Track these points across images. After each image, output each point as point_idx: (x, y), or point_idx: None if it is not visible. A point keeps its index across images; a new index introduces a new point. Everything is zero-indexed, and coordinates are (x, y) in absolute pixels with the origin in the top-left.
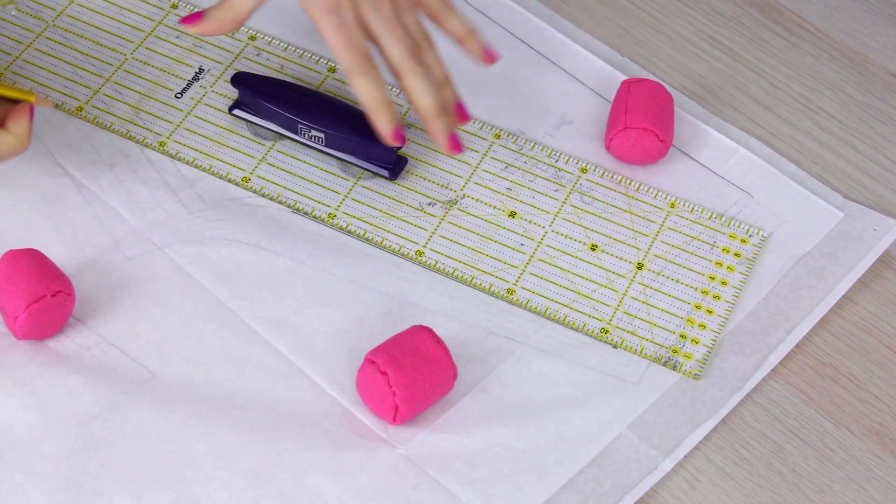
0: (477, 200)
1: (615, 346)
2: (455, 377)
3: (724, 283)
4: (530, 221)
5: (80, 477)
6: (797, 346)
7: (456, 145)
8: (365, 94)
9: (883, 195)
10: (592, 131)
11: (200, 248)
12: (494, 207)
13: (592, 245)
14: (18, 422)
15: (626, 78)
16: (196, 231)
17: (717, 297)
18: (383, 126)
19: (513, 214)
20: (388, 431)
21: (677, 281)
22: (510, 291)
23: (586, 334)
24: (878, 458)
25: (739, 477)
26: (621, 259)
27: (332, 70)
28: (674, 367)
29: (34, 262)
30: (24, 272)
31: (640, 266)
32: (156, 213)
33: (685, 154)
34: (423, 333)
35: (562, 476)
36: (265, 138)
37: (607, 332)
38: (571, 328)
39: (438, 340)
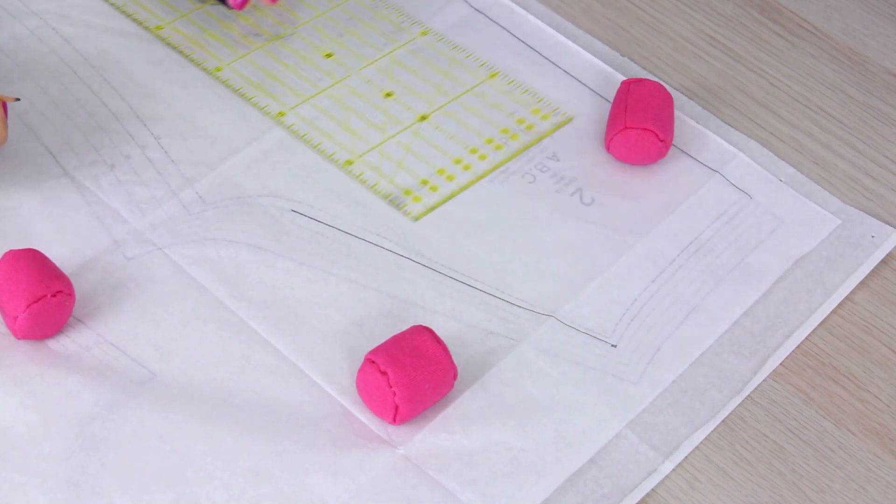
0: (303, 39)
1: (355, 177)
2: (455, 377)
3: (498, 147)
4: (341, 63)
5: (80, 477)
6: (797, 345)
7: None
8: None
9: (883, 195)
10: (592, 131)
11: (200, 248)
12: (314, 45)
13: (388, 93)
14: (18, 422)
15: (625, 78)
16: (196, 232)
17: (483, 157)
18: None
19: (329, 55)
20: (388, 431)
21: (451, 136)
22: (280, 114)
23: (330, 161)
24: (878, 458)
25: (739, 477)
26: (408, 109)
27: None
28: (396, 206)
29: (34, 262)
30: (24, 272)
31: (423, 118)
32: (156, 213)
33: (685, 154)
34: (423, 333)
35: (561, 474)
36: None
37: (351, 163)
38: (319, 154)
39: (438, 340)
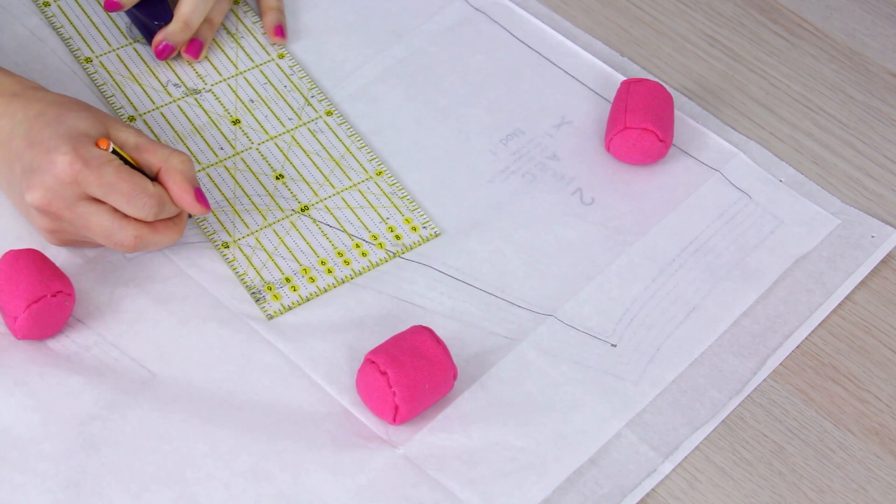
0: (217, 99)
1: (227, 263)
2: (455, 377)
3: (363, 254)
4: (245, 133)
5: (80, 477)
6: (797, 345)
7: (280, 32)
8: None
9: (883, 195)
10: (592, 131)
11: (200, 248)
12: (225, 110)
13: (279, 175)
14: (18, 422)
15: (625, 78)
16: (196, 232)
17: (346, 263)
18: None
19: (236, 122)
20: (387, 431)
21: (324, 234)
22: None
23: (210, 241)
24: (878, 458)
25: (739, 477)
26: (293, 196)
27: None
28: (257, 301)
29: (34, 262)
30: (24, 272)
31: (304, 209)
32: None
33: (685, 153)
34: (423, 333)
35: (561, 474)
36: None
37: (228, 246)
38: (201, 231)
39: (438, 340)
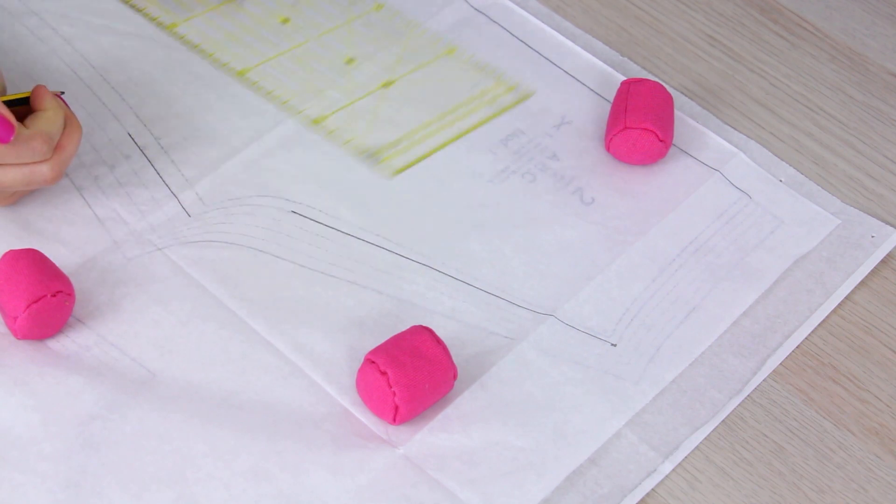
0: (257, 3)
1: (327, 134)
2: (455, 377)
3: (473, 110)
4: (298, 29)
5: (80, 477)
6: (797, 345)
7: None
8: None
9: (883, 195)
10: (592, 131)
11: (200, 249)
12: (269, 10)
13: (349, 59)
14: (18, 422)
15: (625, 78)
16: (196, 233)
17: (450, 124)
18: None
19: (285, 20)
20: (387, 431)
21: (419, 102)
22: (244, 70)
23: (298, 116)
24: (878, 458)
25: (739, 477)
26: (372, 75)
27: None
28: (374, 162)
29: (34, 262)
30: (24, 272)
31: (387, 84)
32: (156, 215)
33: (685, 153)
34: (423, 333)
35: (561, 474)
36: None
37: (321, 121)
38: (288, 111)
39: (438, 340)
